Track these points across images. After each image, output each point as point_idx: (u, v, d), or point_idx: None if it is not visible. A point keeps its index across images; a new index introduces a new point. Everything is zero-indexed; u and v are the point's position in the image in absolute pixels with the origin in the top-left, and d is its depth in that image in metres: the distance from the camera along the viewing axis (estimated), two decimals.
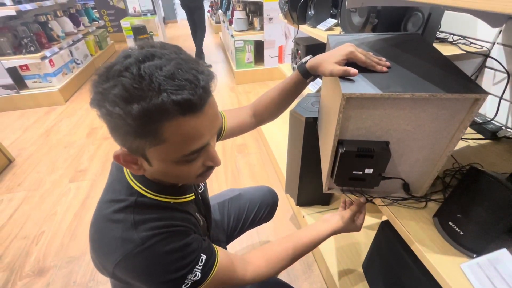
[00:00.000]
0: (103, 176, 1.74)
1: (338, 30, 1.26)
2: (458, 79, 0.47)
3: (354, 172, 0.54)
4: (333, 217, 0.66)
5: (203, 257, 0.48)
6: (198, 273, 0.47)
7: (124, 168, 0.49)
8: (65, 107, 2.67)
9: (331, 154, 0.54)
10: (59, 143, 2.10)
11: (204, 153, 0.44)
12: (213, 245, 0.54)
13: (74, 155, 1.95)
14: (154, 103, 0.33)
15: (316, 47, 1.47)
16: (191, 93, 0.35)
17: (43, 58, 2.53)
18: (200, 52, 3.68)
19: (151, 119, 0.35)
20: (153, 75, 0.34)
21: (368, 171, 0.53)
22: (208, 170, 0.48)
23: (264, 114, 0.74)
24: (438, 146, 0.51)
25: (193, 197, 0.58)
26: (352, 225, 0.66)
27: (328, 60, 0.54)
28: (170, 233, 0.46)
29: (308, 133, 0.97)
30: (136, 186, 0.47)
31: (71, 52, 3.06)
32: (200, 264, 0.47)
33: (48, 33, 2.75)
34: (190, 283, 0.46)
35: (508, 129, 0.84)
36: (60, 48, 2.83)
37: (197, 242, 0.49)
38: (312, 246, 0.62)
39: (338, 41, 0.66)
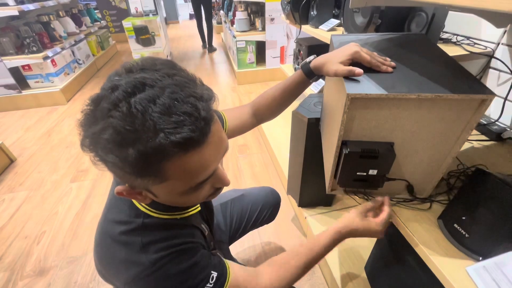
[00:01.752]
0: (104, 176, 1.73)
1: (340, 30, 1.26)
2: (464, 80, 0.47)
3: (358, 173, 0.54)
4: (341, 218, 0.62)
5: (214, 274, 0.47)
6: None
7: None
8: (67, 107, 2.68)
9: (334, 155, 0.54)
10: (60, 143, 2.10)
11: (212, 178, 0.42)
12: (224, 260, 0.53)
13: (76, 155, 1.95)
14: (151, 145, 0.30)
15: (318, 48, 1.47)
16: (192, 129, 0.31)
17: (45, 58, 2.54)
18: (212, 49, 4.27)
19: (150, 161, 0.32)
20: (146, 112, 0.30)
21: (372, 172, 0.53)
22: (217, 190, 0.47)
23: (265, 113, 0.73)
24: (444, 147, 0.50)
25: (199, 209, 0.57)
26: (362, 223, 0.57)
27: (333, 60, 0.54)
28: (179, 252, 0.45)
29: (310, 133, 0.96)
30: (142, 206, 0.46)
31: (73, 52, 3.07)
32: (211, 282, 0.46)
33: (50, 33, 2.75)
34: None
35: None
36: (62, 48, 2.83)
37: (207, 259, 0.48)
38: (319, 252, 0.58)
39: (342, 41, 0.65)
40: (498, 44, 0.86)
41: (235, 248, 1.25)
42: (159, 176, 0.35)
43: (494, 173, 0.47)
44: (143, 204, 0.46)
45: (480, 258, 0.47)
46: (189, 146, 0.33)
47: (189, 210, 0.53)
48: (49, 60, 2.57)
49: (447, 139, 0.49)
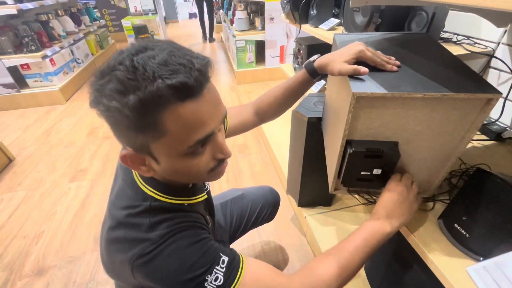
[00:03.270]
0: (104, 175, 1.73)
1: (340, 29, 1.26)
2: (469, 79, 0.47)
3: (362, 173, 0.53)
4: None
5: (225, 258, 0.45)
6: (220, 277, 0.43)
7: (134, 173, 0.49)
8: (65, 106, 2.67)
9: (338, 154, 0.53)
10: (59, 142, 2.09)
11: (211, 144, 0.42)
12: (238, 253, 0.50)
13: (75, 154, 1.94)
14: (150, 90, 0.33)
15: (318, 47, 1.46)
16: (186, 76, 0.34)
17: (44, 57, 2.52)
18: (212, 39, 4.67)
19: (148, 108, 0.34)
20: (146, 64, 0.34)
21: (377, 171, 0.53)
22: (219, 164, 0.47)
23: (267, 113, 0.73)
24: (448, 147, 0.50)
25: (205, 196, 0.56)
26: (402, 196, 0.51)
27: (337, 59, 0.54)
28: (186, 227, 0.45)
29: (310, 133, 0.96)
30: (149, 191, 0.46)
31: (72, 52, 3.05)
32: (221, 266, 0.44)
33: (49, 32, 2.74)
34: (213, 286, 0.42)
35: None
36: (61, 47, 2.82)
37: (215, 242, 0.47)
38: (358, 249, 0.50)
39: (345, 40, 0.65)
40: (499, 43, 0.86)
41: (234, 248, 1.25)
42: (157, 130, 0.36)
43: (495, 173, 0.47)
44: (149, 188, 0.46)
45: (481, 259, 0.47)
46: (185, 93, 0.35)
47: (196, 196, 0.52)
48: (48, 59, 2.56)
49: (452, 139, 0.49)
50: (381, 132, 0.49)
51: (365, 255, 0.50)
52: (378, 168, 0.52)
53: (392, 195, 0.51)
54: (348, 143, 0.51)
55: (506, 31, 0.83)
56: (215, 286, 0.42)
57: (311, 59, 0.64)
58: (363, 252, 0.50)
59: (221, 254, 0.45)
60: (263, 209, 0.93)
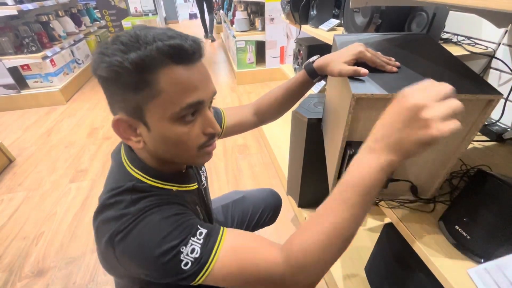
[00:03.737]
0: (104, 176, 1.72)
1: (340, 30, 1.25)
2: (470, 80, 0.46)
3: None
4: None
5: (203, 230, 0.42)
6: (197, 248, 0.40)
7: (122, 156, 0.48)
8: (66, 107, 2.67)
9: (338, 156, 0.53)
10: (59, 143, 2.09)
11: (202, 116, 0.44)
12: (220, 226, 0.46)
13: (75, 155, 1.94)
14: (149, 49, 0.37)
15: (318, 48, 1.46)
16: (183, 40, 0.38)
17: (45, 57, 2.53)
18: (212, 37, 4.84)
19: (147, 66, 0.37)
20: (147, 33, 0.38)
21: None
22: (209, 141, 0.46)
23: (266, 114, 0.73)
24: (448, 148, 0.50)
25: (196, 186, 0.56)
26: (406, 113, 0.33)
27: (337, 60, 0.53)
28: (168, 203, 0.44)
29: (310, 134, 0.96)
30: (135, 173, 0.46)
31: (72, 52, 3.06)
32: (198, 237, 0.41)
33: (49, 33, 2.74)
34: (190, 261, 0.39)
35: None
36: (62, 48, 2.83)
37: (195, 217, 0.45)
38: (350, 203, 0.37)
39: (345, 40, 0.65)
40: (499, 44, 0.85)
41: None
42: (153, 89, 0.38)
43: (496, 174, 0.47)
44: (136, 170, 0.46)
45: (482, 260, 0.46)
46: (180, 56, 0.39)
47: (187, 185, 0.52)
48: (48, 60, 2.56)
49: (453, 140, 0.48)
50: None
51: (360, 207, 0.37)
52: None
53: (401, 111, 0.33)
54: (348, 144, 0.51)
55: (506, 31, 0.83)
56: (191, 259, 0.39)
57: (311, 60, 0.64)
58: (357, 207, 0.37)
59: (199, 226, 0.43)
60: (264, 212, 0.92)
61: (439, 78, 0.46)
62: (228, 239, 0.42)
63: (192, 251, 0.40)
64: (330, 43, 1.14)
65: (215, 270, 0.40)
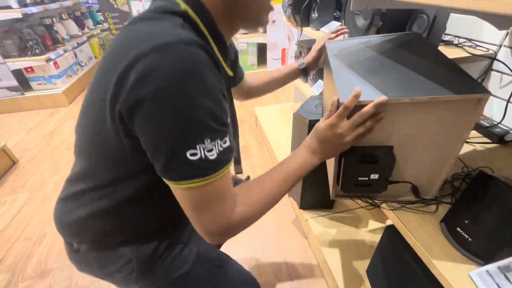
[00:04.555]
0: None
1: None
2: (460, 79, 0.47)
3: (359, 178, 0.54)
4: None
5: (227, 141, 0.39)
6: (215, 151, 0.37)
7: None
8: (69, 109, 2.69)
9: (335, 161, 0.53)
10: (62, 144, 2.11)
11: None
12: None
13: None
14: None
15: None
16: None
17: (48, 60, 2.55)
18: None
19: None
20: None
21: (374, 176, 0.53)
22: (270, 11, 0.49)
23: (253, 91, 0.84)
24: (444, 148, 0.50)
25: (232, 74, 0.56)
26: (325, 134, 0.48)
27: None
28: (213, 67, 0.37)
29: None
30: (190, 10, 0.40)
31: (75, 55, 3.08)
32: (221, 143, 0.38)
33: (53, 36, 2.77)
34: (201, 154, 0.36)
35: None
36: (65, 51, 2.85)
37: (224, 115, 0.40)
38: (287, 178, 0.50)
39: (336, 47, 0.66)
40: (500, 46, 0.86)
41: (235, 250, 1.24)
42: None
43: (497, 176, 0.47)
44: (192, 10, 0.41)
45: (484, 263, 0.46)
46: None
47: (226, 66, 0.50)
48: (51, 62, 2.58)
49: (447, 140, 0.49)
50: (376, 137, 0.49)
51: (291, 184, 0.51)
52: (375, 173, 0.52)
53: (333, 134, 0.47)
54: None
55: (507, 33, 0.83)
56: (203, 157, 0.36)
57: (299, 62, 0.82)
58: (290, 181, 0.50)
59: (226, 136, 0.39)
60: None
61: (429, 79, 0.47)
62: (224, 178, 0.41)
63: (211, 150, 0.37)
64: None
65: (195, 187, 0.38)
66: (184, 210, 0.42)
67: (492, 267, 0.45)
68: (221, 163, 0.39)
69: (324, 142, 0.49)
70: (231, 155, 0.41)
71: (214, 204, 0.41)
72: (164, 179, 0.40)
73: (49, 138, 2.20)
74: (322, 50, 0.78)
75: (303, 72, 0.82)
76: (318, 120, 0.92)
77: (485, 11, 0.37)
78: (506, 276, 0.43)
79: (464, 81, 0.46)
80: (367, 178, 0.53)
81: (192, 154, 0.36)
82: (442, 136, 0.48)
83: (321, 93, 1.44)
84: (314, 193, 1.18)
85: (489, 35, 0.88)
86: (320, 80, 1.51)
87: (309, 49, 1.51)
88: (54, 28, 2.83)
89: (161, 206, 0.53)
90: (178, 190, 0.40)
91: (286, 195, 1.35)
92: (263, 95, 0.87)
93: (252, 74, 3.15)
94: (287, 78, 0.84)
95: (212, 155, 0.37)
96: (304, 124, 0.96)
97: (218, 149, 0.38)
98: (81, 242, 0.53)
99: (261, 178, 0.49)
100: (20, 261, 1.23)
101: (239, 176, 0.76)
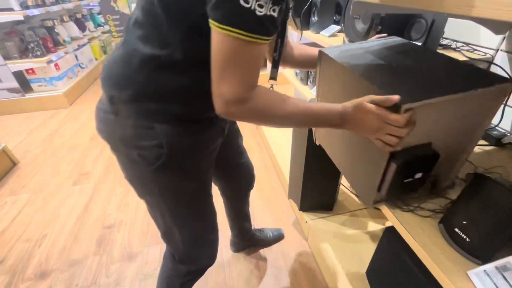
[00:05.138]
0: (107, 179, 1.74)
1: (341, 36, 1.27)
2: (479, 75, 0.51)
3: (405, 181, 0.55)
4: None
5: (276, 11, 0.40)
6: (264, 10, 0.39)
7: None
8: (69, 111, 2.70)
9: (377, 169, 0.54)
10: (63, 146, 2.11)
11: None
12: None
13: (78, 158, 1.96)
14: None
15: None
16: None
17: (49, 62, 2.56)
18: None
19: None
20: None
21: (418, 175, 0.55)
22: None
23: (291, 59, 0.75)
24: (468, 136, 0.55)
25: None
26: (368, 117, 0.48)
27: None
28: None
29: (312, 138, 0.97)
30: None
31: (76, 57, 3.10)
32: (271, 7, 0.39)
33: (54, 38, 2.78)
34: (251, 4, 0.38)
35: None
36: (66, 53, 2.86)
37: None
38: (305, 114, 0.50)
39: (341, 50, 0.66)
40: (497, 50, 0.87)
41: (237, 259, 1.25)
42: None
43: (494, 178, 0.48)
44: None
45: (481, 263, 0.47)
46: None
47: None
48: (52, 64, 2.59)
49: (473, 128, 0.54)
50: (413, 136, 0.50)
51: (306, 121, 0.52)
52: (420, 171, 0.55)
53: (373, 120, 0.47)
54: (392, 156, 0.52)
55: (504, 38, 0.84)
56: (251, 7, 0.38)
57: None
58: (308, 118, 0.51)
59: (277, 10, 0.41)
60: None
61: (453, 78, 0.51)
62: (260, 48, 0.42)
63: (260, 6, 0.39)
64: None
65: (233, 36, 0.39)
66: (212, 66, 0.43)
67: (489, 267, 0.46)
68: (263, 28, 0.40)
69: (359, 121, 0.49)
70: (273, 29, 0.42)
71: (240, 68, 0.42)
72: (210, 20, 0.41)
73: (50, 139, 2.20)
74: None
75: None
76: None
77: (483, 17, 0.38)
78: (503, 276, 0.44)
79: (485, 76, 0.51)
80: (412, 179, 0.55)
81: (244, 1, 0.38)
82: (470, 125, 0.53)
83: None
84: (314, 194, 1.19)
85: (487, 40, 0.90)
86: None
87: None
88: (56, 30, 2.84)
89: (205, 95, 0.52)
90: (219, 35, 0.40)
91: (286, 197, 1.36)
92: (294, 68, 0.83)
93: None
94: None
95: (260, 12, 0.39)
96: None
97: (267, 11, 0.39)
98: (124, 96, 0.52)
99: (288, 97, 0.50)
100: (20, 262, 1.23)
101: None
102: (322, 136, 0.84)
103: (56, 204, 1.56)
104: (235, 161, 0.89)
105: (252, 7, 0.38)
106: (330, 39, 1.25)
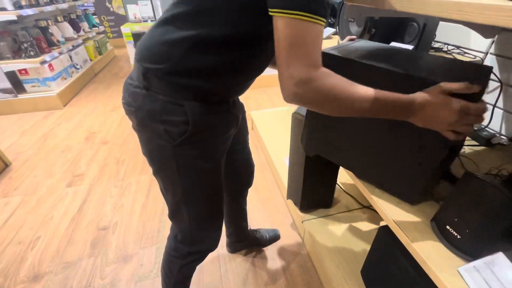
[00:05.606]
0: (101, 180, 1.73)
1: (336, 38, 1.30)
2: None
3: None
4: None
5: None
6: None
7: None
8: (63, 112, 2.67)
9: (430, 163, 0.55)
10: (56, 147, 2.09)
11: None
12: None
13: (72, 159, 1.94)
14: None
15: None
16: None
17: (43, 62, 2.53)
18: None
19: None
20: None
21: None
22: None
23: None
24: None
25: None
26: (437, 102, 0.46)
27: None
28: None
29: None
30: None
31: (70, 57, 3.07)
32: None
33: (48, 38, 2.76)
34: None
35: (502, 136, 0.86)
36: (60, 53, 2.84)
37: None
38: (377, 103, 0.47)
39: (336, 49, 0.67)
40: (487, 53, 0.90)
41: (233, 251, 1.25)
42: None
43: (482, 176, 0.49)
44: None
45: (471, 259, 0.49)
46: None
47: None
48: (46, 65, 2.57)
49: None
50: None
51: (375, 108, 0.47)
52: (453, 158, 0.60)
53: (450, 111, 0.46)
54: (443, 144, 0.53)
55: (493, 41, 0.87)
56: None
57: None
58: (378, 104, 0.47)
59: None
60: None
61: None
62: (321, 29, 0.45)
63: None
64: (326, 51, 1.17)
65: (298, 19, 0.42)
66: (279, 51, 0.44)
67: (479, 263, 0.47)
68: (323, 10, 0.43)
69: (431, 113, 0.47)
70: (327, 12, 0.45)
71: (306, 49, 0.44)
72: (274, 9, 0.43)
73: (43, 141, 2.17)
74: None
75: None
76: None
77: (471, 21, 0.40)
78: (492, 271, 0.45)
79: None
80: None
81: None
82: None
83: None
84: (314, 193, 1.20)
85: (477, 43, 0.92)
86: None
87: None
88: (49, 30, 2.82)
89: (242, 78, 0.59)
90: (283, 21, 0.43)
91: (285, 198, 1.36)
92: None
93: None
94: None
95: None
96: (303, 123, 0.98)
97: None
98: (159, 71, 0.54)
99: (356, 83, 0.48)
100: (12, 265, 1.21)
101: None
102: (320, 146, 0.80)
103: (49, 206, 1.54)
104: (240, 156, 0.91)
105: None
106: (325, 41, 1.26)
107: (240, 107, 0.72)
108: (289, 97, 0.46)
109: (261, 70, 0.63)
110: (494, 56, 0.88)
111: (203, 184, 0.67)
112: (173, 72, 0.53)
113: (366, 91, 0.46)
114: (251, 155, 0.95)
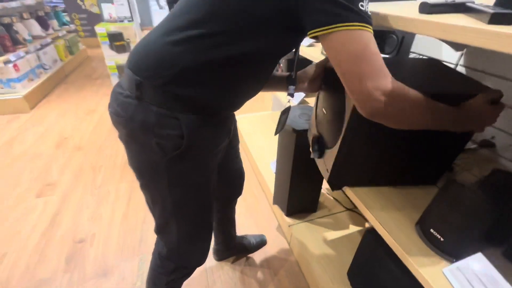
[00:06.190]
0: (76, 189, 1.62)
1: (319, 46, 1.33)
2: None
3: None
4: None
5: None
6: (365, 7, 0.42)
7: None
8: (30, 115, 2.48)
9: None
10: (24, 154, 1.93)
11: None
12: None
13: (42, 167, 1.80)
14: None
15: (297, 62, 1.53)
16: None
17: (7, 62, 2.34)
18: None
19: None
20: None
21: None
22: None
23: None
24: None
25: None
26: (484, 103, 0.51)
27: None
28: None
29: (298, 145, 1.00)
30: None
31: (38, 57, 2.87)
32: (367, 5, 0.43)
33: (12, 36, 2.55)
34: (365, 7, 0.42)
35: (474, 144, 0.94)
36: (27, 52, 2.64)
37: None
38: (426, 104, 0.48)
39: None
40: (457, 65, 0.97)
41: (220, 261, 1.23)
42: None
43: (459, 181, 0.53)
44: None
45: (454, 260, 0.52)
46: None
47: None
48: (11, 65, 2.37)
49: None
50: None
51: (430, 116, 0.50)
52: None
53: (488, 115, 0.53)
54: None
55: (462, 54, 0.94)
56: (365, 8, 0.42)
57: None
58: (433, 112, 0.50)
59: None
60: None
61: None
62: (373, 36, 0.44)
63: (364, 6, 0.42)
64: (309, 58, 1.20)
65: (353, 30, 0.42)
66: (346, 70, 0.44)
67: (461, 263, 0.51)
68: (370, 20, 0.43)
69: (477, 117, 0.53)
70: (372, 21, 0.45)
71: (376, 56, 0.43)
72: (324, 27, 0.42)
73: (8, 147, 2.00)
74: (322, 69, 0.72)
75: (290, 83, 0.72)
76: (305, 130, 0.96)
77: (440, 38, 0.44)
78: (473, 270, 0.49)
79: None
80: None
81: (361, 5, 0.42)
82: None
83: (299, 103, 1.50)
84: (300, 198, 1.22)
85: (448, 55, 1.00)
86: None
87: (288, 60, 1.57)
88: (14, 28, 2.61)
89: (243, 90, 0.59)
90: (342, 35, 0.42)
91: (271, 202, 1.36)
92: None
93: None
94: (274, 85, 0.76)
95: (363, 7, 0.42)
96: (291, 135, 0.99)
97: (366, 7, 0.43)
98: (156, 81, 0.52)
99: (419, 98, 0.48)
100: None
101: None
102: (350, 177, 0.74)
103: (16, 219, 1.42)
104: (232, 166, 0.90)
105: (361, 4, 0.42)
106: (308, 49, 1.30)
107: (233, 118, 0.71)
108: (369, 113, 0.46)
109: (261, 87, 0.63)
110: (463, 68, 0.95)
111: (194, 198, 0.65)
112: (172, 82, 0.51)
113: (419, 96, 0.47)
114: (242, 164, 0.94)
